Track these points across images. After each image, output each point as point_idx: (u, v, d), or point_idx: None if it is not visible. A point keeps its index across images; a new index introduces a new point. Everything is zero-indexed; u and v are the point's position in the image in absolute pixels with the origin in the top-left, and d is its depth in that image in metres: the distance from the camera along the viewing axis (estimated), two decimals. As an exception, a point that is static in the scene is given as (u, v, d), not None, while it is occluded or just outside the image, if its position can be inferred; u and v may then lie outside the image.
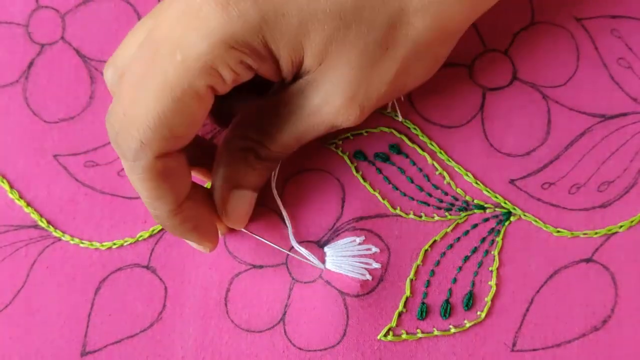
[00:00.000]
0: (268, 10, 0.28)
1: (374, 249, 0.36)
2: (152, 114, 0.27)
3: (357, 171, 0.36)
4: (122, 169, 0.37)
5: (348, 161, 0.36)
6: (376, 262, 0.36)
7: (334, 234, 0.36)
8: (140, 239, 0.36)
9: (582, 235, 0.36)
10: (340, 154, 0.37)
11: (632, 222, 0.36)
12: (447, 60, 0.35)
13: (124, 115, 0.28)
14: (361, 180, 0.36)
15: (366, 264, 0.35)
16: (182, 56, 0.27)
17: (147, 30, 0.30)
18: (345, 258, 0.35)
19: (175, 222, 0.31)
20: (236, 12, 0.27)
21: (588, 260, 0.35)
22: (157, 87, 0.27)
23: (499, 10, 0.37)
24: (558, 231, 0.36)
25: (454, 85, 0.37)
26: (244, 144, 0.32)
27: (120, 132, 0.28)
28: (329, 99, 0.30)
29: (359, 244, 0.36)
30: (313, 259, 0.35)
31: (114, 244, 0.36)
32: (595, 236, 0.36)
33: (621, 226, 0.36)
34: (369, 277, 0.35)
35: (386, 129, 0.37)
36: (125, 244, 0.36)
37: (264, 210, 0.36)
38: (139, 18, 0.38)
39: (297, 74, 0.31)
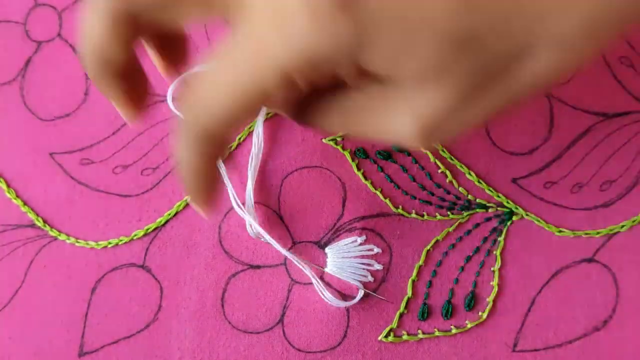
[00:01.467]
0: (367, 26, 0.25)
1: (376, 250, 0.37)
2: (218, 107, 0.27)
3: (359, 169, 0.38)
4: (117, 166, 0.38)
5: (349, 159, 0.38)
6: (378, 263, 0.37)
7: (335, 234, 0.38)
8: (135, 237, 0.38)
9: (583, 235, 0.38)
10: (342, 151, 0.38)
11: (634, 221, 0.38)
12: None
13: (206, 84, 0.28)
14: (362, 179, 0.38)
15: (368, 265, 0.37)
16: (259, 59, 0.26)
17: None
18: (346, 259, 0.37)
19: None
20: (329, 29, 0.25)
21: (590, 260, 0.37)
22: (229, 82, 0.27)
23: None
24: (560, 231, 0.38)
25: (455, 83, 0.39)
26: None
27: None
28: (402, 119, 0.28)
29: (360, 244, 0.37)
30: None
31: (109, 243, 0.38)
32: (597, 236, 0.38)
33: (623, 226, 0.37)
34: (370, 279, 0.37)
35: (387, 127, 0.39)
36: (120, 243, 0.38)
37: (264, 210, 0.38)
38: (136, 14, 0.40)
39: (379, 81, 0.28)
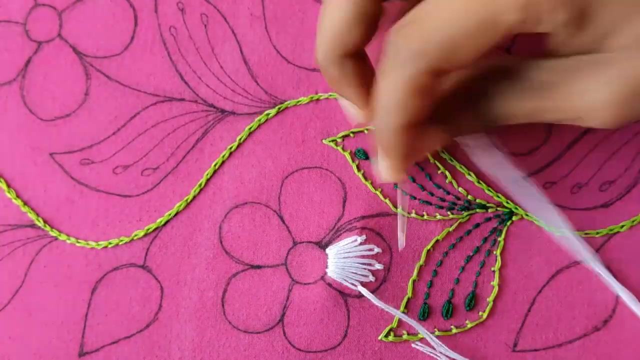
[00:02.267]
0: None
1: (377, 249, 0.37)
2: (442, 31, 0.27)
3: (359, 170, 0.38)
4: (118, 167, 0.39)
5: (349, 159, 0.38)
6: (379, 262, 0.37)
7: (336, 234, 0.38)
8: (136, 237, 0.38)
9: (583, 236, 0.38)
10: (342, 152, 0.38)
11: (633, 221, 0.38)
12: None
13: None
14: (362, 180, 0.38)
15: (369, 265, 0.37)
16: None
17: None
18: (347, 260, 0.37)
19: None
20: None
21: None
22: (458, 5, 0.27)
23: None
24: (560, 231, 0.38)
25: (456, 83, 0.39)
26: (473, 87, 0.31)
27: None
28: (605, 87, 0.28)
29: (360, 244, 0.37)
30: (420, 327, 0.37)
31: (110, 243, 0.38)
32: (596, 236, 0.38)
33: (622, 226, 0.38)
34: (372, 278, 0.37)
35: (388, 127, 0.39)
36: (120, 243, 0.38)
37: (265, 210, 0.38)
38: (136, 14, 0.40)
39: (584, 48, 0.29)
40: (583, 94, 0.28)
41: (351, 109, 0.35)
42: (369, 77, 0.32)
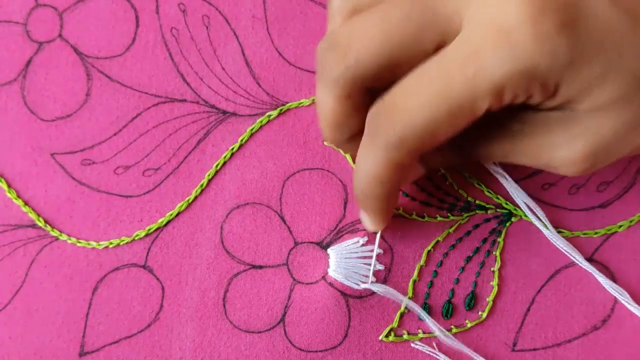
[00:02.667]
0: (579, 54, 0.27)
1: (378, 250, 0.37)
2: (420, 117, 0.28)
3: (361, 171, 0.39)
4: (119, 167, 0.39)
5: (351, 161, 0.38)
6: (380, 263, 0.38)
7: (337, 235, 0.38)
8: (137, 238, 0.38)
9: (582, 235, 0.38)
10: (343, 153, 0.39)
11: (631, 221, 0.38)
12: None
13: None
14: (364, 180, 0.38)
15: (370, 265, 0.37)
16: (474, 72, 0.27)
17: None
18: (349, 260, 0.37)
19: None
20: (549, 47, 0.27)
21: (588, 260, 0.38)
22: (435, 93, 0.28)
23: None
24: (558, 231, 0.38)
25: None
26: None
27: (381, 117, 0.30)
28: (571, 144, 0.30)
29: (362, 245, 0.38)
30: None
31: (111, 243, 0.38)
32: (595, 236, 0.38)
33: (620, 226, 0.38)
34: (373, 279, 0.37)
35: (390, 129, 0.39)
36: (121, 243, 0.38)
37: (266, 211, 0.38)
38: (137, 15, 0.40)
39: (554, 107, 0.30)
40: (551, 148, 0.31)
41: (367, 223, 0.36)
42: None
